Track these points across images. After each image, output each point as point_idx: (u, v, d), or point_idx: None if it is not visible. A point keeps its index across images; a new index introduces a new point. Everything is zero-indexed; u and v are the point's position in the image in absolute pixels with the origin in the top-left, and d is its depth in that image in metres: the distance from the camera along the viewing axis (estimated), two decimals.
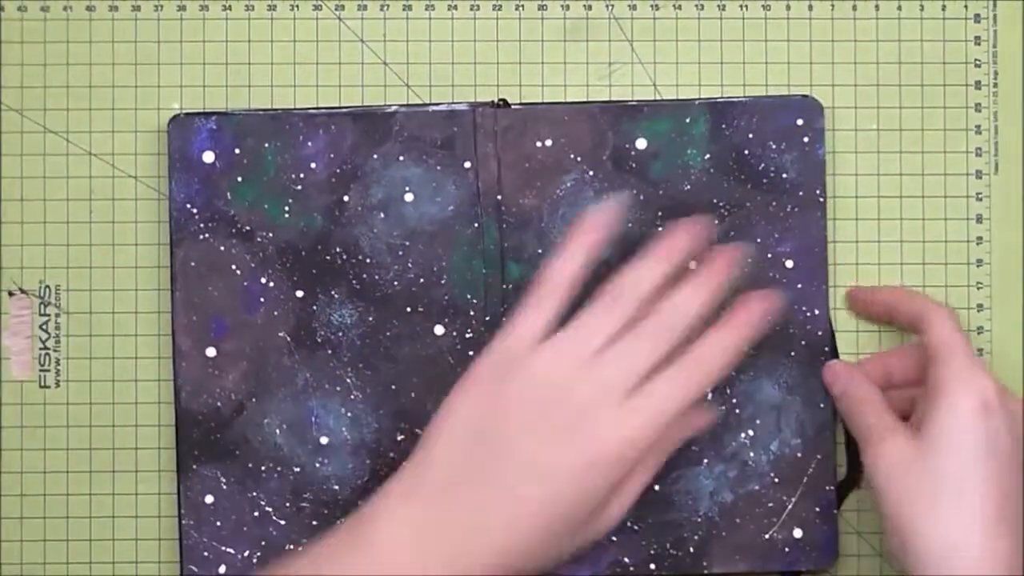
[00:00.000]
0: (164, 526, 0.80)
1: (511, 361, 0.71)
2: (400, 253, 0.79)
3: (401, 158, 0.79)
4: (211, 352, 0.78)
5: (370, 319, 0.79)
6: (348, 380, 0.79)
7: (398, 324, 0.79)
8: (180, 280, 0.78)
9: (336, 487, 0.79)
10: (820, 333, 0.79)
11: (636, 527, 0.79)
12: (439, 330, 0.79)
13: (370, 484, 0.78)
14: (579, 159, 0.79)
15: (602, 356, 0.70)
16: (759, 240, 0.79)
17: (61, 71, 0.81)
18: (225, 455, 0.78)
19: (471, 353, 0.78)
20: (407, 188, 0.79)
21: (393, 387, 0.78)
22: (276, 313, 0.79)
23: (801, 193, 0.79)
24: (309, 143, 0.79)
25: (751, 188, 0.79)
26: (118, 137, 0.80)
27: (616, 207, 0.74)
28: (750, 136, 0.79)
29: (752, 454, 0.79)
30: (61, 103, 0.80)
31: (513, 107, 0.79)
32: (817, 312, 0.79)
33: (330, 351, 0.79)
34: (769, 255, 0.79)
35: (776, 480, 0.79)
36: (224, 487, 0.78)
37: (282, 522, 0.79)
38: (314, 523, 0.78)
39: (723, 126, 0.79)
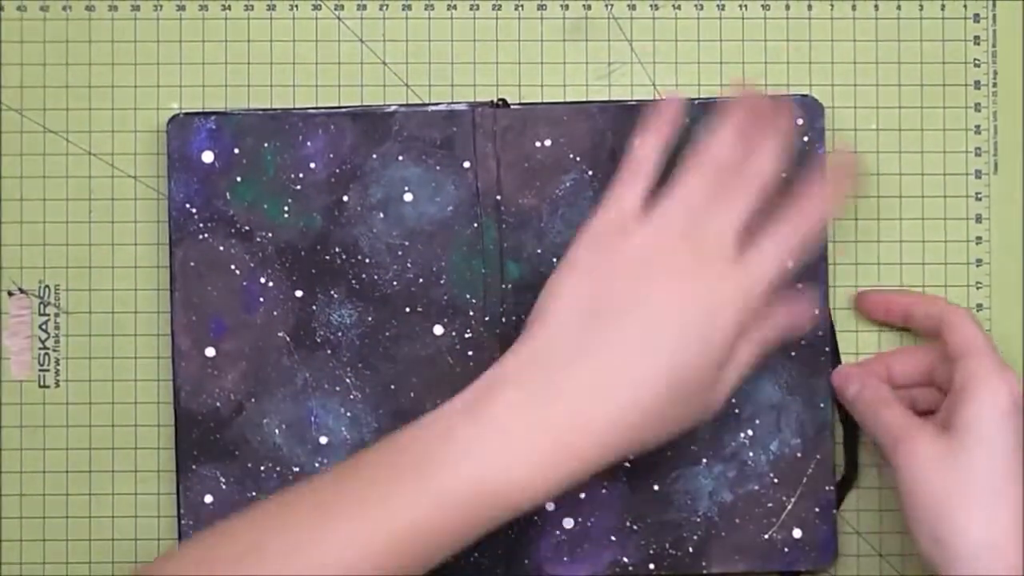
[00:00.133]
0: (163, 526, 0.80)
1: (612, 236, 0.72)
2: (399, 253, 0.79)
3: (400, 158, 0.79)
4: (210, 352, 0.78)
5: (369, 319, 0.79)
6: (347, 380, 0.79)
7: (397, 324, 0.79)
8: (179, 280, 0.78)
9: None
10: (820, 333, 0.79)
11: (635, 527, 0.79)
12: (438, 330, 0.79)
13: None
14: (578, 159, 0.79)
15: (702, 217, 0.72)
16: None
17: (60, 71, 0.81)
18: (224, 455, 0.78)
19: (470, 353, 0.78)
20: (406, 188, 0.79)
21: (392, 387, 0.78)
22: (275, 313, 0.79)
23: None
24: (308, 143, 0.79)
25: None
26: (117, 137, 0.80)
27: (681, 99, 0.75)
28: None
29: (751, 454, 0.79)
30: (61, 103, 0.80)
31: (512, 107, 0.79)
32: (817, 312, 0.79)
33: (329, 351, 0.79)
34: None
35: (775, 480, 0.79)
36: (223, 487, 0.78)
37: None
38: None
39: None
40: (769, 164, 0.73)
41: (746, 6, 0.81)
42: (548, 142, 0.79)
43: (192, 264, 0.78)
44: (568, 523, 0.79)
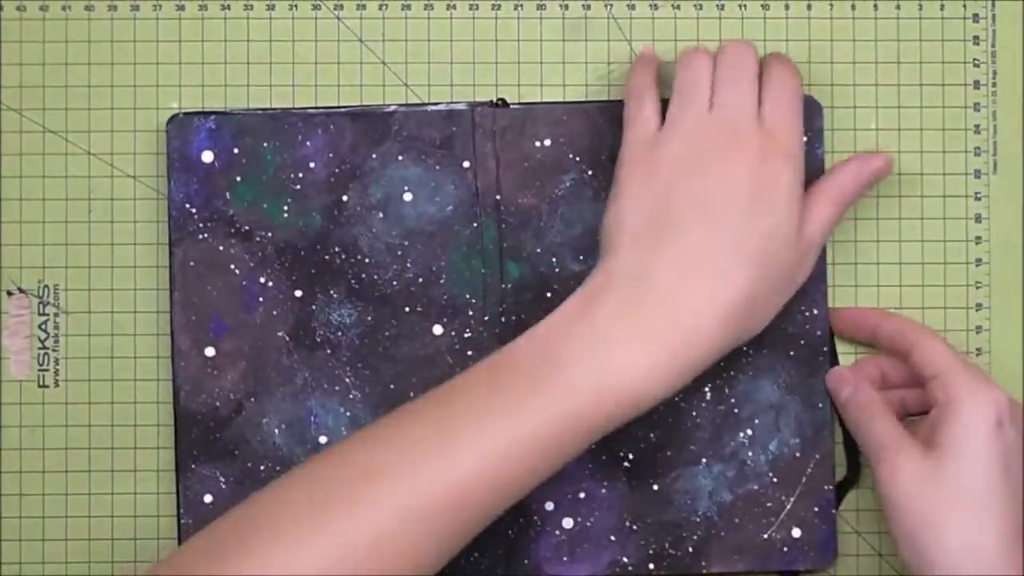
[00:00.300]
0: (163, 525, 0.80)
1: (647, 154, 0.74)
2: (399, 253, 0.79)
3: (400, 158, 0.79)
4: (210, 352, 0.78)
5: (369, 319, 0.79)
6: (347, 380, 0.79)
7: (397, 324, 0.79)
8: (179, 280, 0.78)
9: None
10: (819, 333, 0.79)
11: (635, 527, 0.79)
12: (438, 330, 0.79)
13: None
14: (578, 159, 0.79)
15: (718, 106, 0.74)
16: None
17: (60, 71, 0.81)
18: (224, 455, 0.78)
19: (470, 353, 0.78)
20: (406, 188, 0.79)
21: (392, 387, 0.78)
22: (275, 313, 0.79)
23: None
24: (308, 143, 0.79)
25: None
26: (117, 137, 0.80)
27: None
28: None
29: (751, 454, 0.79)
30: (60, 103, 0.80)
31: (512, 107, 0.79)
32: (816, 312, 0.79)
33: (329, 351, 0.79)
34: None
35: (775, 480, 0.79)
36: (223, 486, 0.78)
37: None
38: None
39: None
40: (748, 52, 0.75)
41: (745, 6, 0.81)
42: (547, 142, 0.79)
43: (192, 264, 0.78)
44: (568, 523, 0.79)
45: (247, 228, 0.78)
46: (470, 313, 0.79)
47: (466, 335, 0.79)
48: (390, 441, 0.69)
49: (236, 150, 0.78)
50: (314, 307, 0.79)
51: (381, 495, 0.67)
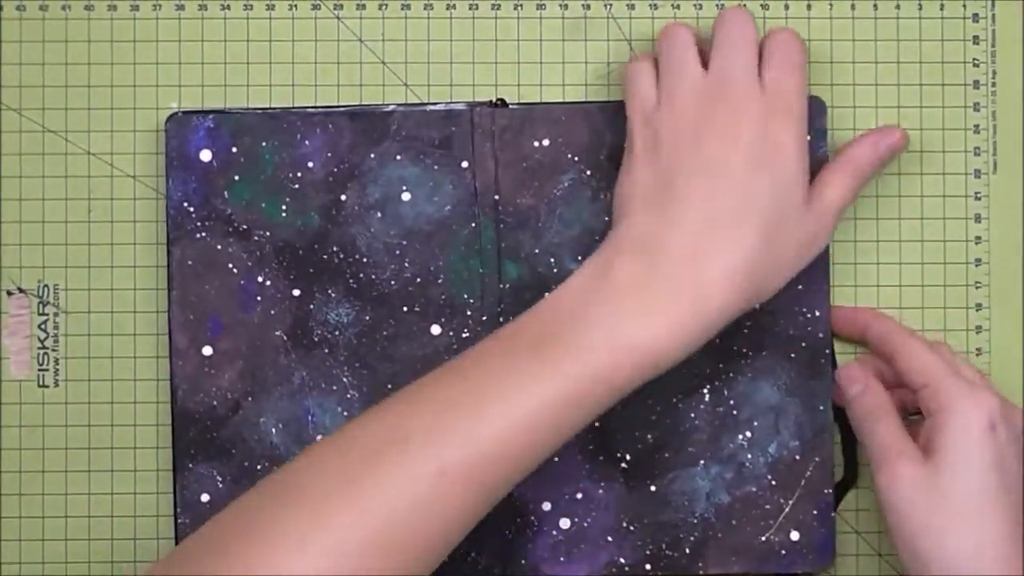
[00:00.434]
0: (163, 525, 0.80)
1: (647, 126, 0.75)
2: (397, 252, 0.79)
3: (398, 157, 0.79)
4: (207, 351, 0.78)
5: (367, 318, 0.79)
6: (344, 379, 0.79)
7: (395, 323, 0.79)
8: (177, 279, 0.78)
9: None
10: (821, 335, 0.79)
11: (632, 527, 0.78)
12: (436, 330, 0.79)
13: None
14: (576, 159, 0.79)
15: (713, 71, 0.74)
16: None
17: (60, 70, 0.81)
18: (221, 454, 0.78)
19: None
20: (404, 187, 0.79)
21: (389, 386, 0.78)
22: (273, 312, 0.79)
23: None
24: (306, 142, 0.79)
25: None
26: (116, 136, 0.80)
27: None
28: None
29: (749, 456, 0.79)
30: (60, 102, 0.80)
31: (511, 107, 0.79)
32: (817, 313, 0.79)
33: (327, 350, 0.79)
34: None
35: (773, 482, 0.79)
36: (220, 486, 0.78)
37: None
38: None
39: None
40: (746, 19, 0.75)
41: (744, 5, 0.81)
42: (546, 142, 0.79)
43: (190, 263, 0.78)
44: (565, 523, 0.78)
45: (245, 227, 0.78)
46: (468, 313, 0.79)
47: (464, 335, 0.78)
48: (417, 408, 0.69)
49: (234, 149, 0.78)
50: (312, 306, 0.79)
51: (413, 460, 0.67)
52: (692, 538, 0.79)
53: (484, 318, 0.78)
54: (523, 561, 0.78)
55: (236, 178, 0.78)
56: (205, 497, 0.78)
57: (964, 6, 0.81)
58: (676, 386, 0.79)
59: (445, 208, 0.79)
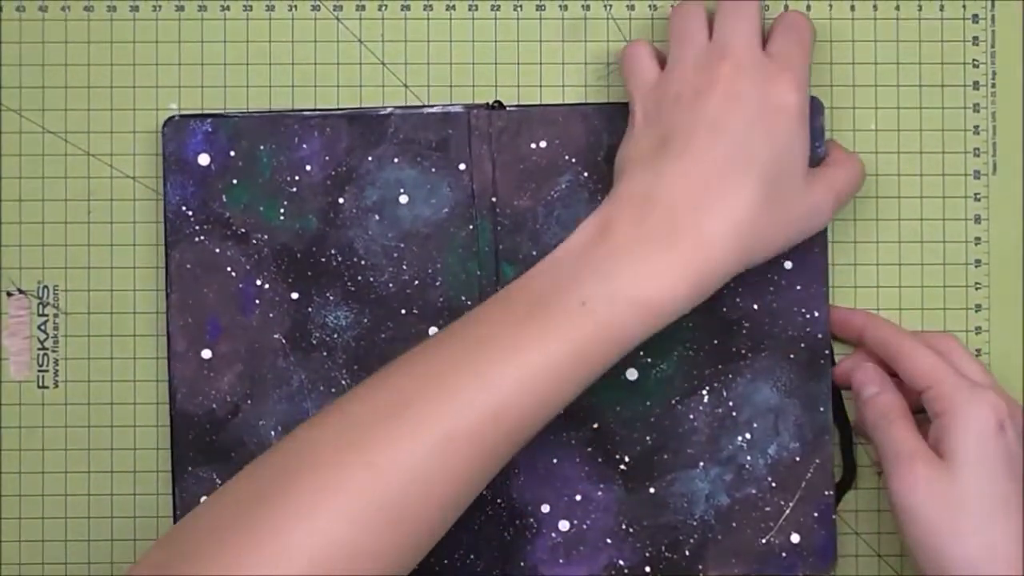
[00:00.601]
0: (162, 527, 0.80)
1: (651, 99, 0.75)
2: (395, 255, 0.79)
3: (396, 160, 0.79)
4: (206, 354, 0.78)
5: (365, 321, 0.79)
6: (343, 382, 0.79)
7: (393, 326, 0.79)
8: (175, 282, 0.78)
9: None
10: (820, 336, 0.79)
11: (631, 529, 0.78)
12: (433, 332, 0.79)
13: None
14: (574, 160, 0.79)
15: (716, 36, 0.75)
16: None
17: (59, 71, 0.81)
18: (220, 457, 0.78)
19: None
20: (402, 190, 0.79)
21: None
22: (271, 315, 0.79)
23: None
24: (304, 145, 0.79)
25: None
26: (116, 138, 0.80)
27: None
28: None
29: (749, 458, 0.79)
30: (59, 103, 0.80)
31: (508, 108, 0.79)
32: (817, 315, 0.79)
33: (325, 353, 0.79)
34: None
35: (773, 484, 0.78)
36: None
37: None
38: None
39: None
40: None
41: None
42: (543, 143, 0.79)
43: (188, 266, 0.78)
44: (564, 525, 0.78)
45: (243, 230, 0.78)
46: None
47: None
48: (418, 373, 0.69)
49: (232, 153, 0.78)
50: (310, 309, 0.79)
51: (416, 424, 0.67)
52: (692, 540, 0.78)
53: None
54: (522, 563, 0.78)
55: (234, 181, 0.78)
56: (204, 499, 0.78)
57: (964, 7, 0.80)
58: (675, 387, 0.79)
59: (442, 210, 0.79)
